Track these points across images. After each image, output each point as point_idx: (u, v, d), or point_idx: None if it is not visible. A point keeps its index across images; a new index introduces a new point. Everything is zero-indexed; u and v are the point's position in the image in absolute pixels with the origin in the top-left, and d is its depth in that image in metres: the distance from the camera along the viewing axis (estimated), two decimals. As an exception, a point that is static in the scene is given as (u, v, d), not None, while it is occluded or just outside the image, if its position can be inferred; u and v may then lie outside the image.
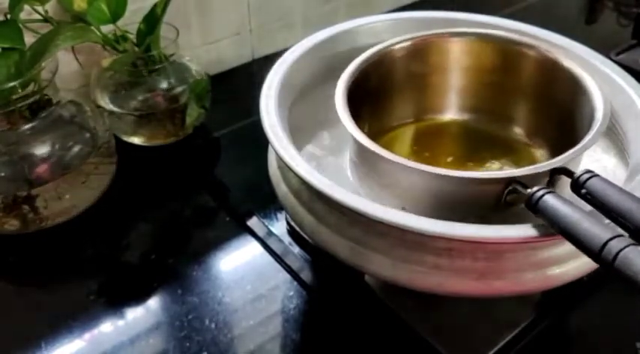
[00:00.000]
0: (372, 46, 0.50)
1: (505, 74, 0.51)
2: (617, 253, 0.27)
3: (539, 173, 0.37)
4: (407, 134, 0.54)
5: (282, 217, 0.52)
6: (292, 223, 0.50)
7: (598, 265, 0.29)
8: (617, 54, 0.74)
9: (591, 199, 0.34)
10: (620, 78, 0.47)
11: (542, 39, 0.50)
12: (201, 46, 0.69)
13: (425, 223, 0.35)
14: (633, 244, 0.27)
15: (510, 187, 0.36)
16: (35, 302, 0.47)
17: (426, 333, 0.43)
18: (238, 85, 0.71)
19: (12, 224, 0.50)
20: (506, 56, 0.50)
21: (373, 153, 0.40)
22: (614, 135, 0.47)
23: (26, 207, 0.49)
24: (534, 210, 0.34)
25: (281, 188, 0.44)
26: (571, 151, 0.38)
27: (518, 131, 0.52)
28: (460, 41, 0.51)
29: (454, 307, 0.44)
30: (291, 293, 0.46)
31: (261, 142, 0.44)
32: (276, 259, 0.49)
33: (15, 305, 0.47)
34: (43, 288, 0.48)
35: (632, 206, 0.31)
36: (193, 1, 0.66)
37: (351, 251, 0.39)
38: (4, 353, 0.43)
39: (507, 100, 0.52)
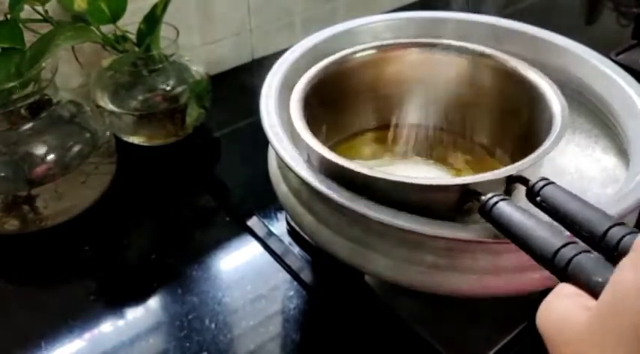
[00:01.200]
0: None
1: (465, 85, 0.51)
2: (570, 260, 0.27)
3: (494, 181, 0.36)
4: (367, 140, 0.54)
5: (282, 217, 0.52)
6: (292, 223, 0.50)
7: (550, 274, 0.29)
8: (617, 54, 0.74)
9: (546, 206, 0.33)
10: (620, 78, 0.47)
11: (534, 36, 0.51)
12: (201, 46, 0.69)
13: (425, 223, 0.35)
14: (585, 251, 0.27)
15: (465, 196, 0.36)
16: (35, 302, 0.47)
17: (426, 333, 0.43)
18: (238, 85, 0.71)
19: (12, 224, 0.50)
20: (465, 67, 0.50)
21: (326, 159, 0.39)
22: (614, 135, 0.47)
23: (26, 207, 0.49)
24: (488, 218, 0.33)
25: (281, 188, 0.44)
26: (527, 158, 0.38)
27: (480, 141, 0.52)
28: (419, 52, 0.51)
29: (454, 307, 0.44)
30: (291, 293, 0.46)
31: (261, 142, 0.44)
32: (276, 259, 0.49)
33: (15, 305, 0.47)
34: (43, 288, 0.48)
35: (586, 213, 0.30)
36: (193, 1, 0.66)
37: (350, 251, 0.39)
38: (4, 353, 0.43)
39: (469, 111, 0.52)
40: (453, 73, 0.51)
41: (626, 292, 0.21)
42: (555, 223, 0.32)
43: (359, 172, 0.37)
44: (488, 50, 0.50)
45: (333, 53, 0.52)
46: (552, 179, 0.35)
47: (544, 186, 0.34)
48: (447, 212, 0.37)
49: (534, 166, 0.38)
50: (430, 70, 0.51)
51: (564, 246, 0.28)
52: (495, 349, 0.42)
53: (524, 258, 0.37)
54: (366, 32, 0.54)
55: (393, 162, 0.51)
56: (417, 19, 0.54)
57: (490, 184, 0.36)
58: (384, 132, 0.54)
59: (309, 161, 0.40)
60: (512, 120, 0.49)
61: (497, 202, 0.33)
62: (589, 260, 0.26)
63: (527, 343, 0.42)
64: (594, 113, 0.49)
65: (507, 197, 0.34)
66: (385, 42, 0.51)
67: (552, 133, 0.40)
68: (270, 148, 0.47)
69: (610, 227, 0.29)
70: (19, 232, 0.50)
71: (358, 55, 0.50)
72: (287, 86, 0.47)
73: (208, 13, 0.68)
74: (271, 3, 0.73)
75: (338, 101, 0.51)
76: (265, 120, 0.42)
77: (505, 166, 0.39)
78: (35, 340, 0.43)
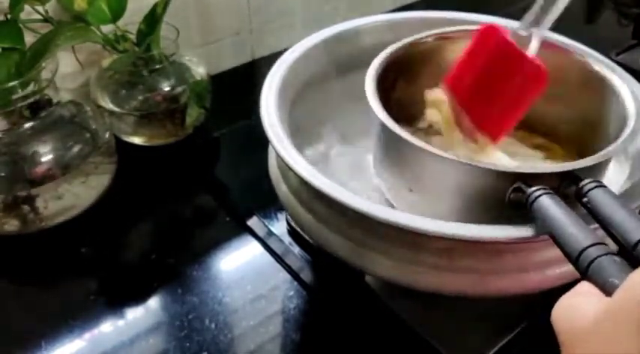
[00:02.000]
0: (372, 45, 0.50)
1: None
2: (593, 260, 0.27)
3: (547, 174, 0.36)
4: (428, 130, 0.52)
5: (282, 217, 0.52)
6: (292, 223, 0.50)
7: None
8: (617, 54, 0.74)
9: (590, 208, 0.33)
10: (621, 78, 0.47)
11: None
12: (201, 46, 0.69)
13: (425, 223, 0.35)
14: (611, 254, 0.27)
15: (516, 185, 0.36)
16: (35, 302, 0.47)
17: (426, 333, 0.43)
18: (238, 85, 0.71)
19: (12, 224, 0.50)
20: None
21: (387, 130, 0.40)
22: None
23: (26, 207, 0.49)
24: (530, 209, 0.34)
25: (281, 188, 0.44)
26: (586, 159, 0.37)
27: (550, 135, 0.51)
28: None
29: (454, 307, 0.44)
30: (291, 293, 0.46)
31: (261, 142, 0.44)
32: (276, 259, 0.49)
33: (15, 305, 0.47)
34: (43, 288, 0.48)
35: (625, 221, 0.31)
36: (193, 1, 0.66)
37: (351, 251, 0.39)
38: (4, 353, 0.43)
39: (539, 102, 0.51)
40: None
41: (638, 289, 0.22)
42: (595, 225, 0.32)
43: (419, 147, 0.38)
44: (560, 44, 0.48)
45: (333, 53, 0.52)
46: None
47: (593, 188, 0.34)
48: (495, 200, 0.37)
49: (591, 167, 0.37)
50: None
51: (591, 246, 0.28)
52: (495, 349, 0.42)
53: (524, 258, 0.37)
54: (367, 32, 0.54)
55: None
56: (417, 19, 0.54)
57: (543, 177, 0.36)
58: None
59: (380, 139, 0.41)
60: (586, 117, 0.47)
61: (540, 196, 0.33)
62: (611, 262, 0.27)
63: (527, 343, 0.42)
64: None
65: (551, 192, 0.34)
66: (465, 27, 0.50)
67: (620, 137, 0.39)
68: (270, 148, 0.47)
69: None
70: (19, 232, 0.50)
71: (427, 39, 0.49)
72: (287, 86, 0.47)
73: (208, 13, 0.68)
74: (271, 3, 0.73)
75: (407, 86, 0.50)
76: (265, 120, 0.42)
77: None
78: (35, 340, 0.43)
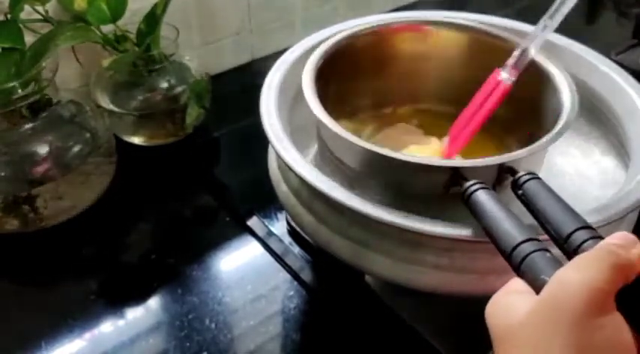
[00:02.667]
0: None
1: (476, 66, 0.49)
2: (525, 257, 0.27)
3: (484, 168, 0.36)
4: (369, 120, 0.54)
5: (282, 217, 0.52)
6: (292, 223, 0.50)
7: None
8: (617, 54, 0.74)
9: (525, 200, 0.34)
10: (621, 78, 0.47)
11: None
12: (201, 46, 0.69)
13: (425, 223, 0.35)
14: (543, 250, 0.27)
15: (454, 179, 0.36)
16: (35, 302, 0.47)
17: (426, 333, 0.43)
18: (238, 85, 0.71)
19: (12, 224, 0.50)
20: (477, 48, 0.50)
21: (325, 127, 0.40)
22: (614, 135, 0.47)
23: (26, 207, 0.49)
24: (466, 204, 0.34)
25: (281, 188, 0.44)
26: (521, 150, 0.37)
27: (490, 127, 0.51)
28: (431, 30, 0.51)
29: (454, 307, 0.44)
30: (292, 293, 0.46)
31: (261, 142, 0.44)
32: (276, 259, 0.49)
33: (15, 305, 0.47)
34: (43, 288, 0.48)
35: (559, 213, 0.31)
36: (193, 1, 0.66)
37: (351, 251, 0.39)
38: (4, 353, 0.43)
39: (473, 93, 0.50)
40: (462, 52, 0.50)
41: (565, 284, 0.23)
42: (532, 220, 0.32)
43: (358, 145, 0.38)
44: (501, 32, 0.49)
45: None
46: (551, 180, 0.35)
47: (528, 180, 0.34)
48: (433, 194, 0.37)
49: (528, 158, 0.37)
50: (439, 49, 0.51)
51: (524, 242, 0.28)
52: (495, 349, 0.42)
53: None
54: (366, 32, 0.54)
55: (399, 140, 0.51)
56: (417, 19, 0.54)
57: (480, 171, 0.36)
58: (386, 110, 0.53)
59: (318, 134, 0.41)
60: (522, 108, 0.47)
61: (476, 190, 0.34)
62: (543, 259, 0.27)
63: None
64: (594, 114, 0.49)
65: (487, 187, 0.34)
66: (400, 19, 0.51)
67: (554, 129, 0.39)
68: (270, 148, 0.47)
69: (576, 230, 0.29)
70: (19, 232, 0.50)
71: (366, 32, 0.50)
72: (287, 86, 0.47)
73: (208, 13, 0.68)
74: (271, 3, 0.73)
75: (346, 77, 0.50)
76: (265, 120, 0.42)
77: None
78: (35, 340, 0.43)
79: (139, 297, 0.46)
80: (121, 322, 0.45)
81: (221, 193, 0.57)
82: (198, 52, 0.68)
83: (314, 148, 0.52)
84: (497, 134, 0.50)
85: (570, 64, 0.50)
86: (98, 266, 0.49)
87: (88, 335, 0.44)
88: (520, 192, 0.34)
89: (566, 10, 0.42)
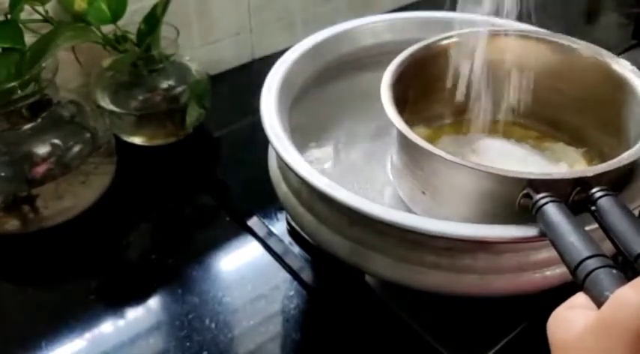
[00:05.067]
0: (372, 46, 0.50)
1: (555, 78, 0.50)
2: (590, 272, 0.27)
3: (556, 182, 0.35)
4: (445, 130, 0.53)
5: (282, 217, 0.52)
6: (292, 223, 0.50)
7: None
8: (617, 54, 0.73)
9: (597, 217, 0.33)
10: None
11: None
12: (201, 46, 0.69)
13: (425, 222, 0.35)
14: (609, 266, 0.27)
15: (525, 191, 0.35)
16: (35, 302, 0.47)
17: (426, 333, 0.43)
18: (238, 85, 0.71)
19: (12, 224, 0.50)
20: (557, 59, 0.49)
21: (402, 135, 0.40)
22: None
23: (26, 207, 0.49)
24: (535, 216, 0.34)
25: (281, 188, 0.44)
26: (598, 166, 0.37)
27: (567, 139, 0.51)
28: (508, 40, 0.50)
29: (454, 307, 0.44)
30: (292, 293, 0.46)
31: (261, 142, 0.44)
32: (276, 259, 0.49)
33: (15, 305, 0.47)
34: (43, 288, 0.48)
35: (630, 232, 0.30)
36: (193, 1, 0.66)
37: (351, 251, 0.39)
38: (4, 353, 0.43)
39: (560, 105, 0.50)
40: (546, 63, 0.49)
41: (625, 304, 0.23)
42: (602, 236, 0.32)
43: (433, 154, 0.38)
44: (582, 46, 0.48)
45: (333, 53, 0.52)
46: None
47: (602, 196, 0.33)
48: (506, 205, 0.37)
49: (606, 174, 0.36)
50: (520, 60, 0.50)
51: (590, 257, 0.28)
52: (495, 349, 0.42)
53: (524, 258, 0.37)
54: (366, 32, 0.54)
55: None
56: (417, 19, 0.54)
57: (554, 184, 0.35)
58: (464, 121, 0.52)
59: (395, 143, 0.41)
60: (603, 118, 0.47)
61: (546, 203, 0.33)
62: (608, 275, 0.27)
63: (527, 343, 0.42)
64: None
65: (558, 200, 0.33)
66: (482, 29, 0.50)
67: (636, 145, 0.38)
68: (270, 148, 0.47)
69: None
70: (19, 232, 0.50)
71: (445, 42, 0.49)
72: (287, 86, 0.47)
73: (208, 13, 0.68)
74: (271, 3, 0.73)
75: (423, 87, 0.50)
76: (265, 120, 0.42)
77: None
78: (35, 340, 0.43)
79: (139, 297, 0.46)
80: (121, 322, 0.45)
81: (221, 193, 0.57)
82: (198, 52, 0.68)
83: (314, 148, 0.52)
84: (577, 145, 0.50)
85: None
86: (98, 266, 0.49)
87: (88, 335, 0.44)
88: (593, 208, 0.34)
89: None
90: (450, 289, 0.38)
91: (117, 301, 0.46)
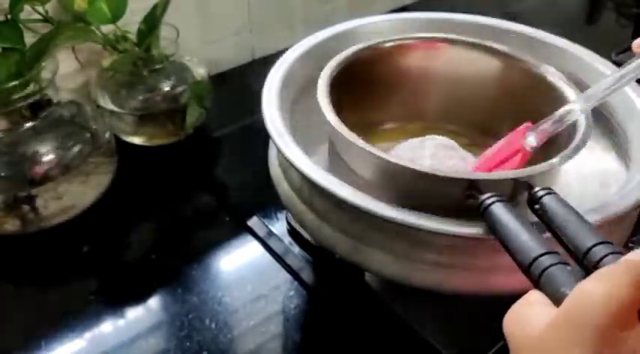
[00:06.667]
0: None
1: (490, 85, 0.50)
2: (544, 270, 0.27)
3: (500, 181, 0.36)
4: (385, 133, 0.53)
5: (282, 217, 0.52)
6: (293, 223, 0.50)
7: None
8: (617, 54, 0.74)
9: (542, 216, 0.34)
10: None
11: (538, 41, 0.50)
12: (201, 46, 0.69)
13: (427, 220, 0.35)
14: (562, 263, 0.27)
15: (468, 192, 0.36)
16: (35, 302, 0.47)
17: (426, 333, 0.43)
18: (238, 85, 0.71)
19: (12, 224, 0.50)
20: (494, 67, 0.50)
21: (341, 136, 0.40)
22: (614, 135, 0.47)
23: (26, 207, 0.49)
24: (483, 217, 0.34)
25: (282, 186, 0.44)
26: (536, 166, 0.38)
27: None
28: (449, 48, 0.51)
29: (454, 307, 0.44)
30: (292, 293, 0.46)
31: (261, 142, 0.44)
32: (276, 259, 0.49)
33: (15, 305, 0.47)
34: (43, 288, 0.48)
35: (576, 228, 0.31)
36: (193, 1, 0.66)
37: (352, 249, 0.39)
38: (4, 353, 0.43)
39: (493, 112, 0.51)
40: (481, 72, 0.50)
41: (588, 297, 0.23)
42: (548, 234, 0.32)
43: (376, 155, 0.38)
44: (519, 53, 0.49)
45: (334, 53, 0.52)
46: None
47: (544, 195, 0.34)
48: (449, 206, 0.36)
49: (544, 174, 0.37)
50: (458, 68, 0.51)
51: (542, 255, 0.28)
52: (495, 348, 0.42)
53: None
54: (366, 32, 0.54)
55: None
56: (417, 20, 0.54)
57: (496, 184, 0.36)
58: (404, 126, 0.53)
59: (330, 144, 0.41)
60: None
61: (493, 203, 0.33)
62: (562, 272, 0.27)
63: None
64: (594, 113, 0.49)
65: (504, 200, 0.34)
66: (420, 35, 0.51)
67: (569, 146, 0.39)
68: (270, 146, 0.47)
69: (594, 245, 0.29)
70: (19, 232, 0.50)
71: (385, 45, 0.50)
72: (287, 86, 0.47)
73: (208, 13, 0.68)
74: (271, 3, 0.73)
75: (362, 90, 0.50)
76: (267, 117, 0.42)
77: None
78: (35, 340, 0.43)
79: (139, 297, 0.46)
80: (121, 322, 0.45)
81: (221, 193, 0.57)
82: (198, 52, 0.68)
83: (317, 152, 0.52)
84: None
85: (570, 65, 0.50)
86: (98, 266, 0.49)
87: (88, 335, 0.44)
88: (537, 207, 0.34)
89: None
90: (451, 288, 0.38)
91: (117, 301, 0.46)
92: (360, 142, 0.39)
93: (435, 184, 0.37)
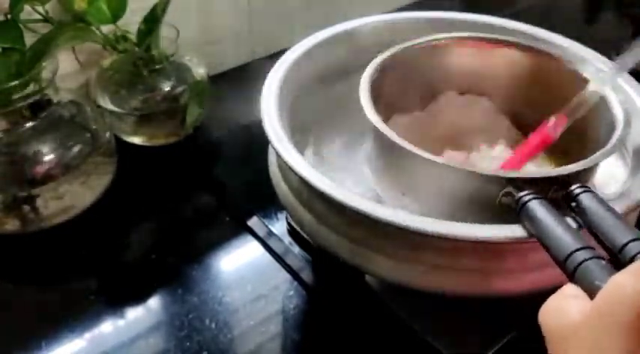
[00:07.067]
0: (372, 46, 0.50)
1: (527, 83, 0.50)
2: (579, 264, 0.28)
3: (536, 180, 0.36)
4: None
5: (282, 217, 0.52)
6: (292, 223, 0.50)
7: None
8: (617, 54, 0.73)
9: (578, 213, 0.34)
10: (621, 78, 0.47)
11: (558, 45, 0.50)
12: (201, 46, 0.69)
13: (425, 222, 0.35)
14: (597, 257, 0.28)
15: (506, 190, 0.36)
16: (35, 302, 0.47)
17: (425, 333, 0.43)
18: (238, 85, 0.71)
19: (12, 224, 0.50)
20: (530, 65, 0.49)
21: (380, 134, 0.40)
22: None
23: (26, 207, 0.49)
24: (519, 214, 0.34)
25: (281, 188, 0.44)
26: (574, 164, 0.37)
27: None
28: (491, 47, 0.50)
29: (454, 307, 0.44)
30: (291, 293, 0.46)
31: (261, 142, 0.44)
32: (276, 259, 0.49)
33: (15, 305, 0.47)
34: (43, 288, 0.48)
35: (611, 225, 0.31)
36: (193, 1, 0.66)
37: (351, 251, 0.39)
38: (4, 353, 0.43)
39: (530, 109, 0.50)
40: (517, 70, 0.50)
41: (621, 291, 0.23)
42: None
43: (414, 153, 0.38)
44: (554, 51, 0.49)
45: (334, 53, 0.52)
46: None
47: (581, 193, 0.34)
48: (487, 205, 0.37)
49: (581, 172, 0.37)
50: (497, 67, 0.51)
51: (578, 250, 0.29)
52: (495, 348, 0.42)
53: (525, 258, 0.37)
54: (366, 32, 0.54)
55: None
56: (417, 20, 0.54)
57: (533, 182, 0.36)
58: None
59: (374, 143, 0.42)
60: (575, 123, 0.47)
61: (529, 200, 0.34)
62: (597, 266, 0.28)
63: (528, 343, 0.42)
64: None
65: (540, 197, 0.34)
66: (459, 34, 0.50)
67: (609, 143, 0.39)
68: (270, 148, 0.47)
69: (629, 241, 0.30)
70: (19, 232, 0.50)
71: (424, 45, 0.50)
72: (287, 86, 0.47)
73: (208, 13, 0.68)
74: (271, 3, 0.73)
75: (401, 89, 0.50)
76: (266, 120, 0.42)
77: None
78: (35, 340, 0.43)
79: (139, 297, 0.46)
80: (121, 322, 0.45)
81: (221, 193, 0.57)
82: (198, 52, 0.68)
83: (314, 148, 0.52)
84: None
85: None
86: (98, 266, 0.49)
87: (88, 335, 0.44)
88: (573, 204, 0.34)
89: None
90: (450, 289, 0.38)
91: (117, 301, 0.46)
92: (402, 141, 0.39)
93: (474, 183, 0.38)
